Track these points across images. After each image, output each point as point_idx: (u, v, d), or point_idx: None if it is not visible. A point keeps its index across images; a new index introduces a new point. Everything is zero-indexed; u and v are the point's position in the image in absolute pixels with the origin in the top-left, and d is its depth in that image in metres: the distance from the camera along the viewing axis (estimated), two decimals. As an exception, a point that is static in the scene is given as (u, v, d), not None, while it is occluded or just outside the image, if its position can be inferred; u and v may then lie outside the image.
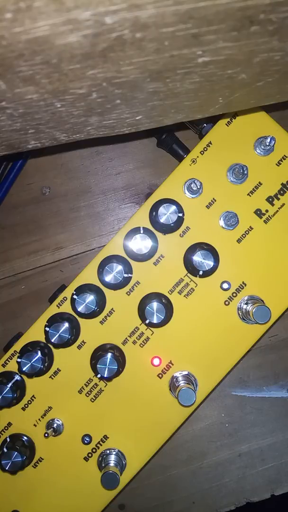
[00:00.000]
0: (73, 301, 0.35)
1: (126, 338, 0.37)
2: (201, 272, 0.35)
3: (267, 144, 0.35)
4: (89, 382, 0.37)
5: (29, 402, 0.37)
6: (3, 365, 0.37)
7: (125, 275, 0.35)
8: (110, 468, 0.35)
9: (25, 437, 0.37)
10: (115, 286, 0.36)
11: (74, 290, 0.36)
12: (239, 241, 0.37)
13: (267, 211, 0.37)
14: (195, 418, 0.45)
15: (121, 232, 0.36)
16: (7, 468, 0.35)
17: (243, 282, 0.37)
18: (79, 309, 0.35)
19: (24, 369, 0.35)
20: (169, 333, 0.37)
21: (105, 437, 0.37)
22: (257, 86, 0.28)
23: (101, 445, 0.37)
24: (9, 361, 0.37)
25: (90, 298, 0.35)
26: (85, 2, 0.18)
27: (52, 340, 0.35)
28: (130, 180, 0.45)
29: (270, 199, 0.37)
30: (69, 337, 0.35)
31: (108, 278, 0.35)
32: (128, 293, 0.37)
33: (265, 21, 0.21)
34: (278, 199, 0.37)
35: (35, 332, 0.36)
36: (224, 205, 0.37)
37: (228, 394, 0.45)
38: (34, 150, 0.33)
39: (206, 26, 0.20)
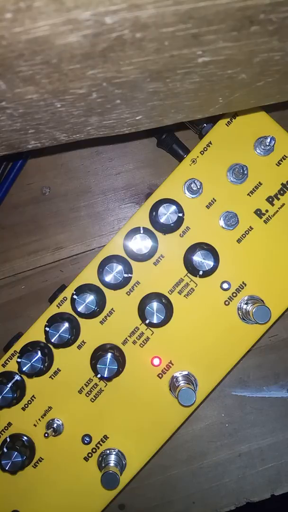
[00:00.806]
0: (73, 301, 0.35)
1: (126, 338, 0.37)
2: (201, 272, 0.35)
3: (267, 144, 0.35)
4: (89, 382, 0.37)
5: (29, 402, 0.37)
6: (3, 365, 0.37)
7: (125, 275, 0.35)
8: (110, 468, 0.35)
9: (25, 437, 0.37)
10: (115, 286, 0.36)
11: (74, 290, 0.36)
12: (239, 241, 0.37)
13: (267, 211, 0.37)
14: (195, 418, 0.45)
15: (121, 232, 0.36)
16: (7, 468, 0.35)
17: (243, 282, 0.37)
18: (79, 309, 0.35)
19: (24, 369, 0.35)
20: (169, 333, 0.37)
21: (105, 437, 0.37)
22: (257, 86, 0.28)
23: (101, 445, 0.37)
24: (9, 361, 0.37)
25: (90, 298, 0.35)
26: (85, 2, 0.18)
27: (52, 340, 0.35)
28: (130, 180, 0.45)
29: (270, 199, 0.37)
30: (69, 337, 0.35)
31: (108, 278, 0.35)
32: (128, 293, 0.37)
33: (265, 21, 0.21)
34: (278, 199, 0.37)
35: (35, 332, 0.36)
36: (224, 205, 0.37)
37: (228, 394, 0.45)
38: (34, 150, 0.33)
39: (206, 26, 0.20)
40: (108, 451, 0.37)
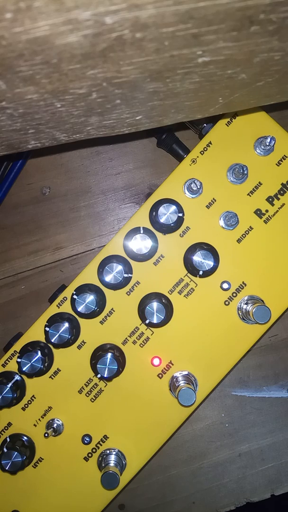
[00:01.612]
0: (73, 301, 0.35)
1: (126, 338, 0.37)
2: (201, 272, 0.35)
3: (267, 144, 0.35)
4: (89, 382, 0.37)
5: (29, 402, 0.37)
6: (3, 365, 0.37)
7: (125, 275, 0.35)
8: (110, 468, 0.35)
9: (25, 437, 0.37)
10: (115, 286, 0.36)
11: (74, 290, 0.36)
12: (239, 241, 0.37)
13: (267, 211, 0.37)
14: (195, 418, 0.45)
15: (121, 232, 0.36)
16: (7, 468, 0.35)
17: (243, 282, 0.37)
18: (79, 309, 0.35)
19: (24, 369, 0.35)
20: (169, 333, 0.37)
21: (105, 437, 0.37)
22: (257, 86, 0.28)
23: (101, 445, 0.37)
24: (9, 361, 0.37)
25: (90, 298, 0.35)
26: (85, 2, 0.18)
27: (52, 340, 0.35)
28: (130, 180, 0.45)
29: (270, 199, 0.37)
30: (69, 337, 0.35)
31: (108, 278, 0.35)
32: (128, 293, 0.37)
33: (265, 21, 0.21)
34: (278, 199, 0.37)
35: (35, 332, 0.36)
36: (224, 205, 0.37)
37: (228, 394, 0.45)
38: (34, 150, 0.33)
39: (206, 26, 0.20)
40: (108, 451, 0.37)
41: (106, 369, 0.35)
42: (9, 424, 0.37)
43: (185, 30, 0.20)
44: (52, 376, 0.37)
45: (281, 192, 0.37)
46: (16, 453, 0.35)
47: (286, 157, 0.37)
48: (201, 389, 0.36)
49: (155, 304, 0.35)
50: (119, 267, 0.35)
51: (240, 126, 0.37)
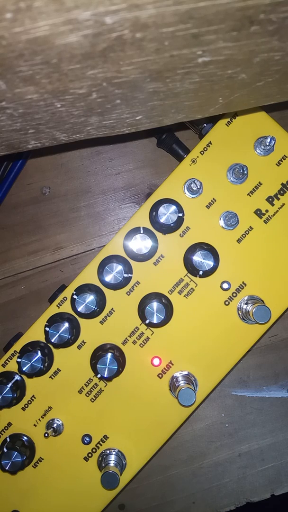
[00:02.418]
0: (73, 301, 0.35)
1: (126, 338, 0.37)
2: (201, 272, 0.35)
3: (267, 144, 0.35)
4: (89, 382, 0.37)
5: (29, 402, 0.37)
6: (3, 365, 0.37)
7: (125, 275, 0.35)
8: (110, 468, 0.35)
9: (25, 437, 0.37)
10: (115, 286, 0.36)
11: (74, 290, 0.36)
12: (239, 241, 0.37)
13: (267, 211, 0.37)
14: (195, 418, 0.45)
15: (121, 232, 0.36)
16: (7, 468, 0.35)
17: (243, 282, 0.37)
18: (79, 309, 0.35)
19: (24, 369, 0.35)
20: (169, 333, 0.37)
21: (105, 437, 0.37)
22: (257, 86, 0.28)
23: (101, 445, 0.37)
24: (9, 361, 0.37)
25: (90, 298, 0.35)
26: (85, 2, 0.18)
27: (52, 340, 0.35)
28: (130, 180, 0.45)
29: (270, 199, 0.37)
30: (69, 337, 0.35)
31: (108, 278, 0.35)
32: (128, 293, 0.37)
33: (265, 21, 0.21)
34: (278, 199, 0.37)
35: (35, 332, 0.36)
36: (224, 205, 0.37)
37: (228, 394, 0.45)
38: (34, 150, 0.33)
39: (206, 26, 0.20)
40: (108, 451, 0.37)
41: (106, 369, 0.35)
42: (9, 424, 0.37)
43: (185, 30, 0.20)
44: (52, 376, 0.37)
45: (281, 192, 0.37)
46: (16, 453, 0.35)
47: (286, 157, 0.37)
48: (201, 389, 0.36)
49: (155, 304, 0.35)
50: (119, 267, 0.35)
51: (240, 126, 0.36)
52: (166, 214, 0.35)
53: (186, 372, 0.37)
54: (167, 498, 0.44)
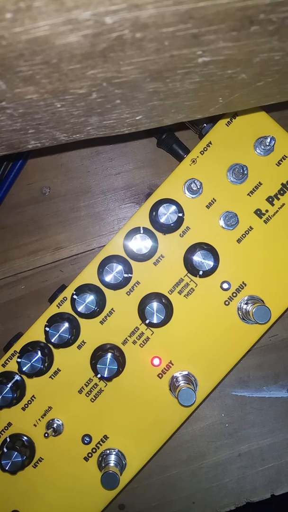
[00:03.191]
0: (73, 301, 0.35)
1: (126, 338, 0.37)
2: (201, 272, 0.35)
3: (267, 144, 0.35)
4: (89, 382, 0.37)
5: (29, 402, 0.37)
6: (3, 365, 0.37)
7: (125, 275, 0.35)
8: (110, 468, 0.35)
9: (25, 437, 0.37)
10: (115, 286, 0.36)
11: (74, 290, 0.36)
12: (239, 241, 0.37)
13: (267, 211, 0.37)
14: (195, 418, 0.45)
15: (121, 232, 0.36)
16: (7, 468, 0.35)
17: (243, 282, 0.37)
18: (79, 309, 0.35)
19: (24, 369, 0.35)
20: (169, 333, 0.37)
21: (105, 437, 0.37)
22: (257, 86, 0.28)
23: (101, 445, 0.37)
24: (9, 361, 0.37)
25: (90, 298, 0.35)
26: (85, 2, 0.18)
27: (52, 340, 0.35)
28: (130, 180, 0.45)
29: (270, 199, 0.37)
30: (69, 337, 0.35)
31: (108, 278, 0.35)
32: (128, 293, 0.37)
33: (265, 21, 0.21)
34: (278, 199, 0.37)
35: (35, 332, 0.36)
36: (224, 205, 0.37)
37: (228, 394, 0.45)
38: (34, 150, 0.33)
39: (206, 26, 0.20)
40: (108, 451, 0.37)
41: (106, 369, 0.35)
42: (9, 424, 0.37)
43: (185, 30, 0.20)
44: (52, 376, 0.37)
45: (281, 192, 0.37)
46: (16, 453, 0.35)
47: (286, 157, 0.37)
48: (201, 389, 0.36)
49: (155, 304, 0.35)
50: (119, 267, 0.35)
51: (240, 126, 0.36)
52: (166, 214, 0.35)
53: (186, 372, 0.37)
54: (167, 498, 0.44)
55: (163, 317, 0.35)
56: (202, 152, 0.37)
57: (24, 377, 0.36)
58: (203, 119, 0.37)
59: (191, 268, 0.36)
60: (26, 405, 0.37)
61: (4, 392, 0.35)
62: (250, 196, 0.37)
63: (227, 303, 0.37)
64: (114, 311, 0.37)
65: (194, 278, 0.37)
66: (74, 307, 0.35)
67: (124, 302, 0.37)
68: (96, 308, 0.35)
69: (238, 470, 0.45)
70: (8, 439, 0.36)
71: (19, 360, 0.35)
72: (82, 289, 0.36)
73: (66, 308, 0.36)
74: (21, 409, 0.37)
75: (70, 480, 0.37)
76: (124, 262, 0.36)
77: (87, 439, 0.37)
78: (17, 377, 0.36)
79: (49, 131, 0.29)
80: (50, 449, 0.37)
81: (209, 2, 0.19)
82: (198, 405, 0.38)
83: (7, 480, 0.37)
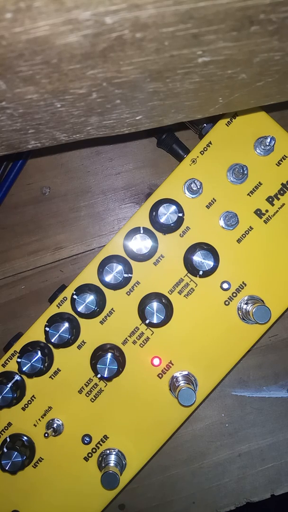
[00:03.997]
0: (73, 301, 0.35)
1: (126, 338, 0.37)
2: (201, 272, 0.35)
3: (267, 144, 0.35)
4: (89, 382, 0.37)
5: (29, 402, 0.37)
6: (3, 365, 0.37)
7: (125, 275, 0.35)
8: (110, 468, 0.35)
9: (25, 437, 0.37)
10: (115, 286, 0.36)
11: (74, 290, 0.36)
12: (239, 241, 0.37)
13: (267, 211, 0.37)
14: (195, 418, 0.45)
15: (121, 232, 0.36)
16: (7, 468, 0.35)
17: (243, 282, 0.37)
18: (79, 309, 0.35)
19: (24, 369, 0.35)
20: (169, 333, 0.37)
21: (105, 437, 0.37)
22: (257, 86, 0.28)
23: (101, 445, 0.37)
24: (9, 361, 0.37)
25: (90, 298, 0.35)
26: (85, 2, 0.18)
27: (52, 340, 0.35)
28: (130, 180, 0.45)
29: (270, 199, 0.37)
30: (69, 337, 0.35)
31: (108, 278, 0.35)
32: (128, 293, 0.37)
33: (265, 21, 0.21)
34: (278, 199, 0.37)
35: (35, 332, 0.36)
36: (224, 205, 0.37)
37: (228, 394, 0.45)
38: (34, 150, 0.33)
39: (206, 26, 0.20)
40: (108, 451, 0.37)
41: (106, 369, 0.35)
42: (9, 424, 0.37)
43: (185, 30, 0.20)
44: (52, 376, 0.37)
45: (281, 192, 0.37)
46: (16, 453, 0.35)
47: (286, 157, 0.37)
48: (201, 389, 0.36)
49: (155, 304, 0.35)
50: (119, 267, 0.35)
51: (240, 126, 0.36)
52: (166, 214, 0.35)
53: (186, 372, 0.37)
54: (167, 498, 0.44)
55: (163, 317, 0.35)
56: (202, 152, 0.37)
57: (24, 377, 0.36)
58: (203, 119, 0.37)
59: (191, 268, 0.36)
60: (26, 405, 0.37)
61: (4, 392, 0.35)
62: (250, 196, 0.37)
63: (227, 303, 0.37)
64: (114, 311, 0.37)
65: (194, 278, 0.37)
66: (74, 307, 0.35)
67: (124, 302, 0.37)
68: (96, 308, 0.35)
69: (238, 470, 0.45)
70: (8, 439, 0.36)
71: (19, 360, 0.35)
72: (82, 289, 0.36)
73: (66, 308, 0.36)
74: (21, 409, 0.37)
75: (70, 480, 0.37)
76: (124, 262, 0.36)
77: (87, 439, 0.37)
78: (17, 377, 0.36)
79: (49, 131, 0.29)
80: (50, 449, 0.37)
81: (209, 2, 0.19)
82: (198, 405, 0.38)
83: (7, 480, 0.37)
